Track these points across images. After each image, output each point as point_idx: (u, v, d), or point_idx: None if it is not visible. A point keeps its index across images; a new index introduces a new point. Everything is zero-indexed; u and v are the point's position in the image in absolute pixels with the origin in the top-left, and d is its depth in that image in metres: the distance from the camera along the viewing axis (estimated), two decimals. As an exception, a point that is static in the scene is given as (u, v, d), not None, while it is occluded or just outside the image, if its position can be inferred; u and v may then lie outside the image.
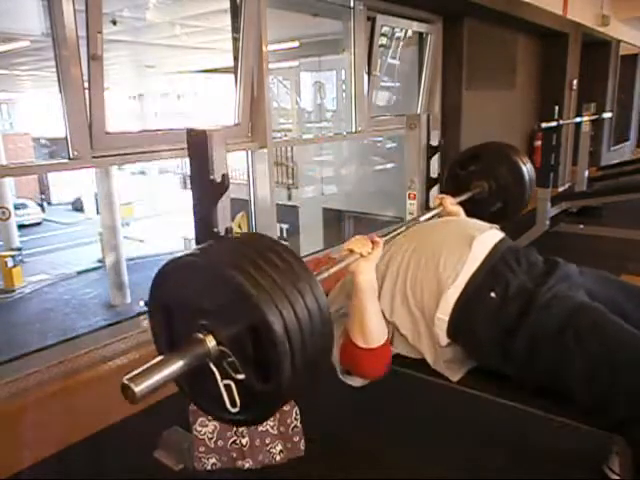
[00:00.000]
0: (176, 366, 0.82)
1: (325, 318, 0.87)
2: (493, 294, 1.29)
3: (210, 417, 1.01)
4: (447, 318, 1.33)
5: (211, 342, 0.85)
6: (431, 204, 2.10)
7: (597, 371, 1.11)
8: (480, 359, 1.37)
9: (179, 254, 0.92)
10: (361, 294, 1.32)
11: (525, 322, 1.23)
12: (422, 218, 1.74)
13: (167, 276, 0.92)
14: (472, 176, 2.16)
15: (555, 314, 1.20)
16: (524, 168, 2.11)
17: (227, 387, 0.86)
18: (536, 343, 1.21)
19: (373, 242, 1.35)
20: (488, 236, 1.44)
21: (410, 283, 1.38)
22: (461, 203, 1.92)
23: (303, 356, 0.82)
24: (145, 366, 0.80)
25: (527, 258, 1.40)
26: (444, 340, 1.35)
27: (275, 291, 0.81)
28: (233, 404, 0.86)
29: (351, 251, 1.31)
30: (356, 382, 1.44)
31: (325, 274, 1.18)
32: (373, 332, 1.34)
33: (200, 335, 0.85)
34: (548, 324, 1.20)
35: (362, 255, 1.31)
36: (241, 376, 0.85)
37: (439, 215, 1.84)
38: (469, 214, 1.86)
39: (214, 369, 0.86)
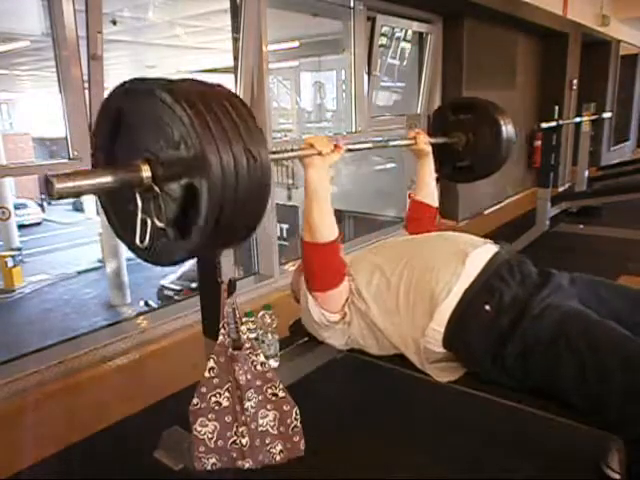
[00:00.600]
0: (104, 179, 0.85)
1: (266, 174, 0.87)
2: (488, 307, 1.30)
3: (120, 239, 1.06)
4: (442, 330, 1.34)
5: (146, 172, 0.87)
6: (407, 132, 2.05)
7: (589, 375, 1.13)
8: (475, 368, 1.38)
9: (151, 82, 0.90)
10: (310, 188, 1.36)
11: (518, 332, 1.25)
12: (392, 143, 1.75)
13: (133, 91, 0.91)
14: (457, 124, 2.11)
15: (547, 323, 1.22)
16: (504, 138, 2.03)
17: (143, 222, 0.89)
18: (529, 351, 1.23)
19: (336, 146, 1.39)
20: (482, 252, 1.45)
21: (403, 294, 1.40)
22: (434, 147, 1.90)
23: (231, 213, 0.84)
24: (76, 169, 0.84)
25: (521, 270, 1.41)
26: (439, 349, 1.36)
27: (220, 133, 0.81)
28: (142, 240, 0.89)
29: (311, 146, 1.34)
30: (315, 312, 1.48)
31: (280, 155, 1.18)
32: (320, 227, 1.37)
33: (140, 163, 0.87)
34: (540, 333, 1.22)
35: (320, 153, 1.34)
36: (160, 224, 0.88)
37: (412, 150, 1.86)
38: (436, 158, 1.88)
39: (138, 200, 0.88)
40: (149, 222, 0.89)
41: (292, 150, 1.30)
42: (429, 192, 1.88)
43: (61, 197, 0.80)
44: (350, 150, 1.48)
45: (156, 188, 0.87)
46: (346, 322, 1.49)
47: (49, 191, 0.79)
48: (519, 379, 1.27)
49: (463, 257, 1.40)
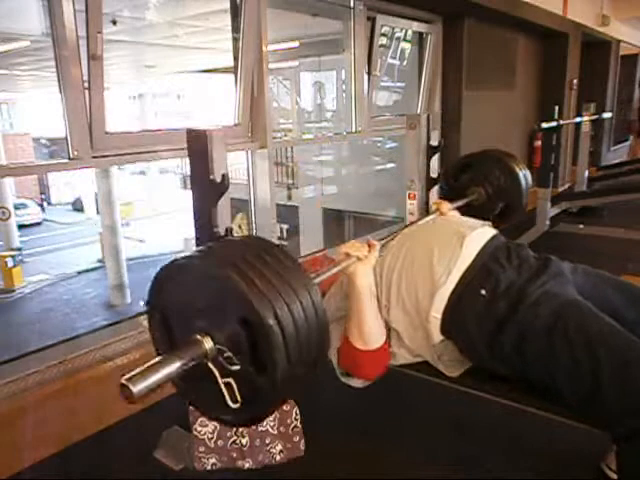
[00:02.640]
0: (174, 366, 0.83)
1: (320, 313, 0.88)
2: (483, 291, 1.30)
3: (209, 418, 1.02)
4: (439, 315, 1.33)
5: (209, 343, 0.86)
6: (430, 204, 2.11)
7: (582, 369, 1.12)
8: (472, 356, 1.37)
9: (175, 256, 0.93)
10: (359, 297, 1.33)
11: (514, 319, 1.23)
12: (420, 222, 1.75)
13: (163, 280, 0.93)
14: (466, 185, 2.17)
15: (543, 311, 1.21)
16: (516, 168, 2.13)
17: (227, 384, 0.87)
18: (524, 340, 1.21)
19: (369, 245, 1.36)
20: (479, 234, 1.45)
21: (405, 284, 1.39)
22: (461, 211, 1.92)
23: (298, 348, 0.83)
24: (144, 366, 0.80)
25: (518, 255, 1.40)
26: (438, 337, 1.36)
27: (266, 285, 0.82)
28: (234, 400, 0.87)
29: (347, 255, 1.32)
30: (356, 383, 1.44)
31: (323, 276, 1.19)
32: (372, 334, 1.34)
33: (198, 336, 0.86)
34: (536, 321, 1.20)
35: (359, 258, 1.32)
36: (236, 367, 0.86)
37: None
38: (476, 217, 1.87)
39: (213, 368, 0.86)
40: (232, 381, 0.88)
41: (334, 266, 1.28)
42: None
43: (141, 399, 0.78)
44: (384, 245, 1.46)
45: (222, 347, 0.87)
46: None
47: (128, 399, 0.77)
48: (516, 368, 1.26)
49: (461, 239, 1.39)
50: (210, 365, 0.86)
